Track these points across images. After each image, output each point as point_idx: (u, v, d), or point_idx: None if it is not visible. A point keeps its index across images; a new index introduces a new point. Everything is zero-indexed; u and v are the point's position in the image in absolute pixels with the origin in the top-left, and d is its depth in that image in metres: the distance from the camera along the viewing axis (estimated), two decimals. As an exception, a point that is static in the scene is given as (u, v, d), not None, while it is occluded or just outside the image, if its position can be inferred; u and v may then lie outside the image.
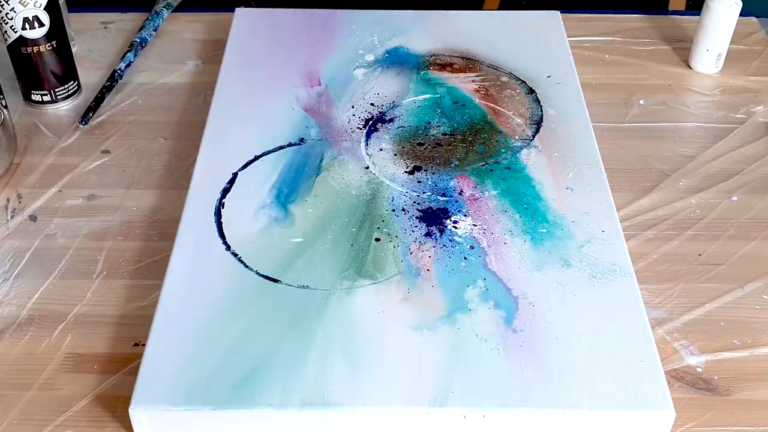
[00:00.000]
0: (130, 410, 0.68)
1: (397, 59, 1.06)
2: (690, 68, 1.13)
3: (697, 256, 0.87)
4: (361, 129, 0.96)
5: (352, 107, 0.99)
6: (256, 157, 0.92)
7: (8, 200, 0.93)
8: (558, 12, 1.15)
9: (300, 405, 0.69)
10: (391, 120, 0.98)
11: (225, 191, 0.88)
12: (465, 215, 0.85)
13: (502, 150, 0.93)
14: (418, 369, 0.71)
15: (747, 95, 1.09)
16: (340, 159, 0.92)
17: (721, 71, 1.12)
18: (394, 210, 0.86)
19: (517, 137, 0.95)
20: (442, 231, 0.83)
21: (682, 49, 1.16)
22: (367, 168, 0.91)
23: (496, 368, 0.71)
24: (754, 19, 1.22)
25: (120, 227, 0.90)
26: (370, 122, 0.97)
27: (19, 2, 0.97)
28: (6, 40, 1.01)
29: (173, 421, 0.69)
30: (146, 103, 1.07)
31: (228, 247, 0.82)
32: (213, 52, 1.14)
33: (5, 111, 0.96)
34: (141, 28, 1.15)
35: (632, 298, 0.77)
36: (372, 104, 1.00)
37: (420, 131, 0.96)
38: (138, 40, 1.13)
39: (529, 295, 0.77)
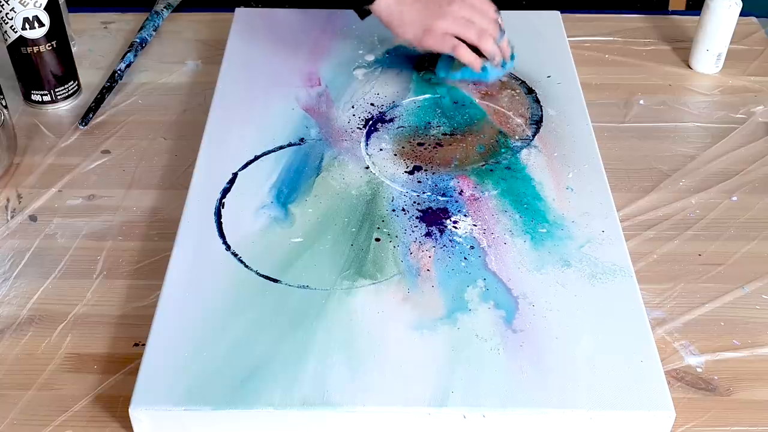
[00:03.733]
0: (130, 410, 0.68)
1: (397, 59, 1.06)
2: (690, 68, 1.13)
3: (697, 256, 0.87)
4: (361, 129, 0.96)
5: (352, 107, 0.99)
6: (256, 157, 0.92)
7: (8, 200, 0.93)
8: (558, 12, 1.15)
9: (300, 405, 0.69)
10: (391, 120, 0.98)
11: (225, 191, 0.88)
12: (465, 215, 0.85)
13: (502, 150, 0.93)
14: (418, 369, 0.71)
15: (747, 95, 1.09)
16: (340, 159, 0.92)
17: (721, 71, 1.12)
18: (394, 210, 0.86)
19: (517, 137, 0.95)
20: (442, 231, 0.83)
21: (682, 49, 1.16)
22: (367, 168, 0.91)
23: (496, 368, 0.71)
24: (754, 19, 1.22)
25: (120, 227, 0.90)
26: (370, 122, 0.97)
27: (19, 2, 0.97)
28: (6, 40, 1.01)
29: (173, 421, 0.69)
30: (146, 103, 1.07)
31: (228, 247, 0.82)
32: (213, 52, 1.14)
33: (5, 111, 0.96)
34: (141, 28, 1.15)
35: (632, 298, 0.77)
36: (372, 104, 1.00)
37: (420, 131, 0.96)
38: (138, 40, 1.13)
39: (529, 295, 0.77)
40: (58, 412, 0.73)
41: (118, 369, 0.76)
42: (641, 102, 1.07)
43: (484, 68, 0.98)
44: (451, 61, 0.99)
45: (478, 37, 0.95)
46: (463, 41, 0.95)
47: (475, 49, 0.96)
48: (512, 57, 1.00)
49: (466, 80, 1.01)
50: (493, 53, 0.97)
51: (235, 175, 0.89)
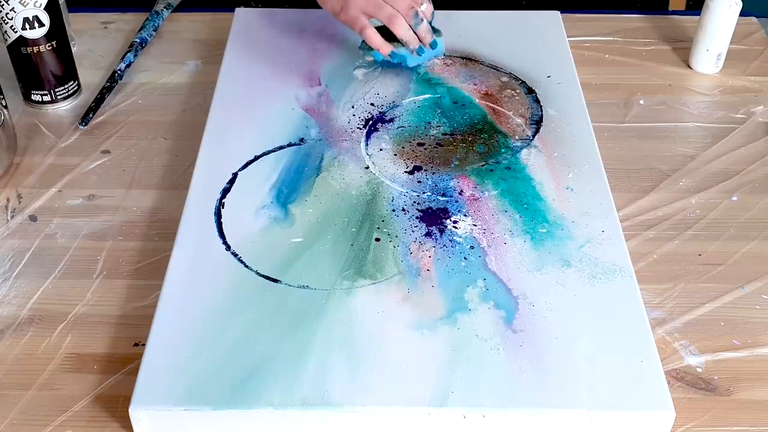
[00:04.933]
0: (130, 410, 0.68)
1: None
2: (690, 68, 1.13)
3: (697, 256, 0.87)
4: (361, 129, 0.96)
5: (352, 107, 0.99)
6: (256, 157, 0.92)
7: (8, 200, 0.93)
8: (558, 12, 1.15)
9: (300, 405, 0.69)
10: (391, 120, 0.98)
11: (225, 191, 0.88)
12: (465, 215, 0.85)
13: (503, 150, 0.93)
14: (418, 369, 0.71)
15: (747, 95, 1.09)
16: (340, 159, 0.92)
17: (721, 71, 1.12)
18: (394, 210, 0.86)
19: (517, 137, 0.95)
20: (442, 231, 0.83)
21: (682, 49, 1.16)
22: (367, 168, 0.91)
23: (496, 368, 0.71)
24: (754, 19, 1.22)
25: (120, 227, 0.90)
26: (370, 122, 0.97)
27: (19, 2, 0.97)
28: (6, 40, 1.01)
29: (173, 421, 0.69)
30: (146, 103, 1.07)
31: (228, 247, 0.82)
32: (213, 52, 1.14)
33: (5, 111, 0.96)
34: (141, 28, 1.15)
35: (632, 298, 0.77)
36: (372, 104, 1.00)
37: (420, 131, 0.96)
38: (138, 40, 1.13)
39: (529, 295, 0.77)
40: (58, 412, 0.73)
41: (118, 369, 0.76)
42: (641, 102, 1.07)
43: (394, 54, 0.99)
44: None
45: (389, 20, 0.96)
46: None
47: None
48: (435, 44, 1.01)
49: (387, 61, 1.02)
50: (406, 38, 0.97)
51: (235, 175, 0.89)
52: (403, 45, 1.00)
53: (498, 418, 0.69)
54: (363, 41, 1.02)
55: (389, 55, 1.00)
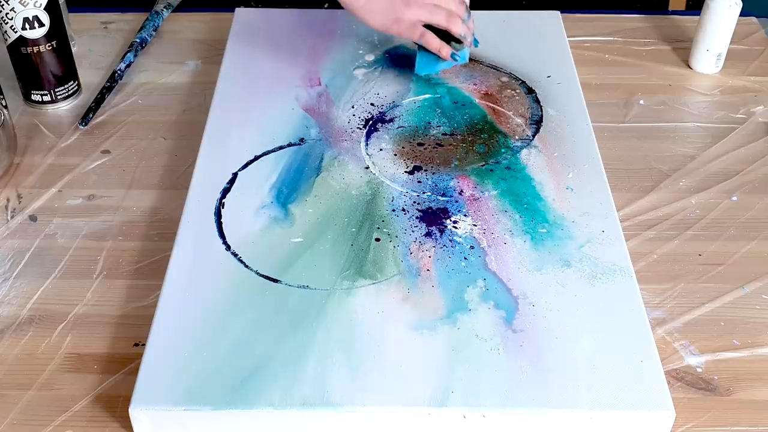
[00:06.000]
0: (130, 410, 0.69)
1: (397, 59, 1.06)
2: (690, 68, 1.13)
3: (697, 256, 0.87)
4: (361, 129, 0.96)
5: (352, 107, 0.99)
6: (256, 157, 0.92)
7: (8, 200, 0.93)
8: (558, 12, 1.15)
9: (300, 405, 0.69)
10: (391, 120, 0.98)
11: (225, 191, 0.88)
12: (465, 215, 0.85)
13: (503, 150, 0.93)
14: (418, 369, 0.71)
15: (747, 95, 1.09)
16: (340, 159, 0.92)
17: (721, 71, 1.12)
18: (394, 210, 0.86)
19: (517, 137, 0.95)
20: (442, 231, 0.83)
21: (682, 49, 1.16)
22: (367, 168, 0.91)
23: (496, 368, 0.71)
24: (754, 19, 1.22)
25: (120, 227, 0.90)
26: (370, 122, 0.97)
27: (19, 2, 0.97)
28: (6, 40, 1.01)
29: (173, 421, 0.69)
30: (146, 103, 1.07)
31: (228, 247, 0.82)
32: (213, 52, 1.14)
33: (5, 111, 0.96)
34: (141, 28, 1.15)
35: (632, 298, 0.77)
36: (372, 104, 1.00)
37: (420, 131, 0.96)
38: (138, 40, 1.13)
39: (529, 295, 0.77)
40: (58, 412, 0.73)
41: (118, 369, 0.76)
42: (641, 102, 1.07)
43: (453, 54, 0.99)
44: (430, 55, 0.99)
45: (447, 21, 0.95)
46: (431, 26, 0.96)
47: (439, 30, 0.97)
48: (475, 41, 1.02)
49: (446, 69, 1.02)
50: (463, 33, 0.97)
51: (235, 175, 0.89)
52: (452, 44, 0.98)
53: (498, 418, 0.69)
54: (419, 66, 1.01)
55: (450, 56, 0.98)
